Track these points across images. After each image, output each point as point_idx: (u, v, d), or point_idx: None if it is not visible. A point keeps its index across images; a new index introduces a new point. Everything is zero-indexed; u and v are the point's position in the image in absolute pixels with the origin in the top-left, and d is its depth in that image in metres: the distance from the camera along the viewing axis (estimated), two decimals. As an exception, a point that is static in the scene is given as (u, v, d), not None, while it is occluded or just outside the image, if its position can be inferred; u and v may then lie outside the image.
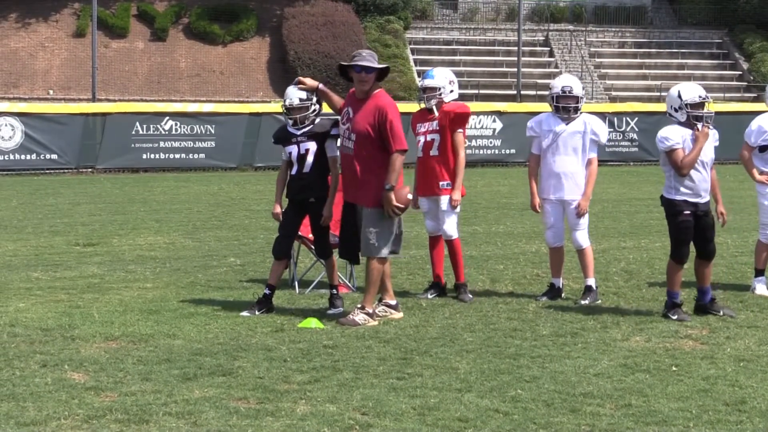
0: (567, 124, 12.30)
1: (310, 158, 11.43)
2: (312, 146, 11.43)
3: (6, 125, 31.70)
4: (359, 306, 10.99)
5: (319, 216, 11.42)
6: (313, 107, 11.50)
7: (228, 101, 40.45)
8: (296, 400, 8.01)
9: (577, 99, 12.33)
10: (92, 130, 32.84)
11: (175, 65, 49.09)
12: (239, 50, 50.23)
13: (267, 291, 11.48)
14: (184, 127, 33.61)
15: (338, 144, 11.31)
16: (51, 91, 45.68)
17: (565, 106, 12.31)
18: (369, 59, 11.10)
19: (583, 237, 12.40)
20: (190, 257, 15.49)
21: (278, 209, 11.65)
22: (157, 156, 33.27)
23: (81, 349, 9.59)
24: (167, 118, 33.55)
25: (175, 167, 32.96)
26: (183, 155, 33.52)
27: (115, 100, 39.03)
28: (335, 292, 11.73)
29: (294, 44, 47.40)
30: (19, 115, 32.14)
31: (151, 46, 49.97)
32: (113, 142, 32.81)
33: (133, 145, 33.01)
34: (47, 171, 31.82)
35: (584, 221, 12.38)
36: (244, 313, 11.22)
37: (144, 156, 33.12)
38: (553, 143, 12.28)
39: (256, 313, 11.26)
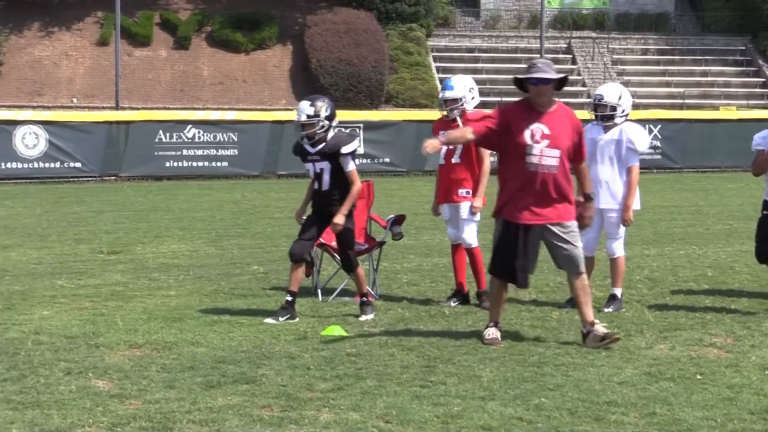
0: (605, 133, 12.27)
1: (326, 176, 11.52)
2: (326, 166, 11.49)
3: (30, 134, 31.84)
4: None
5: (343, 233, 11.52)
6: (321, 124, 11.45)
7: (251, 109, 40.48)
8: (319, 408, 8.01)
9: (612, 107, 12.25)
10: (116, 139, 32.96)
11: (198, 73, 49.17)
12: (262, 58, 50.28)
13: (289, 298, 11.50)
14: (207, 135, 33.72)
15: (529, 161, 10.19)
16: (75, 100, 45.80)
17: (601, 115, 12.29)
18: (545, 69, 10.33)
19: (618, 246, 12.34)
20: (213, 265, 15.51)
21: (301, 214, 11.87)
22: (180, 164, 33.36)
23: (105, 357, 9.61)
24: (190, 126, 33.68)
25: (198, 175, 33.05)
26: (206, 163, 33.61)
27: (138, 109, 39.12)
28: (366, 300, 11.73)
29: (316, 52, 47.41)
30: (43, 123, 32.29)
31: (174, 54, 50.07)
32: (137, 150, 32.92)
33: (156, 153, 33.11)
34: (71, 179, 31.94)
35: (621, 231, 12.30)
36: (268, 320, 11.26)
37: (167, 164, 33.22)
38: (592, 152, 12.25)
39: (280, 320, 11.28)
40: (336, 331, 10.72)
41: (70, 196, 27.35)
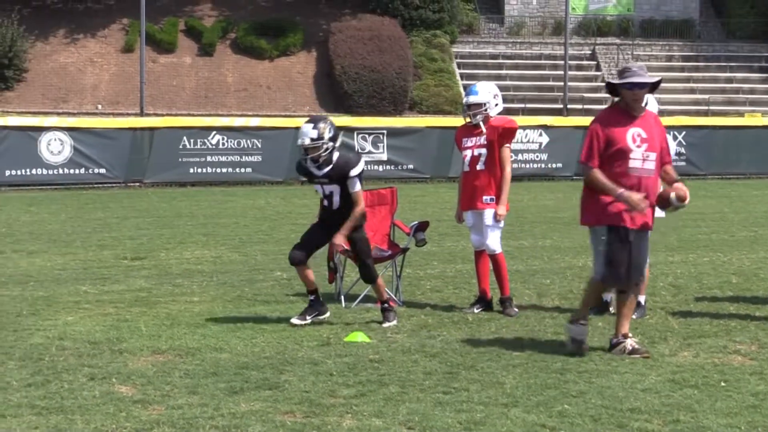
0: None
1: (336, 198, 11.48)
2: (335, 188, 11.45)
3: (55, 140, 31.94)
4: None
5: (356, 244, 11.55)
6: (325, 146, 11.30)
7: (275, 116, 40.57)
8: (342, 414, 8.01)
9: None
10: (140, 145, 33.04)
11: (223, 80, 49.30)
12: (286, 65, 50.39)
13: (311, 297, 11.59)
14: (231, 142, 33.76)
15: (632, 166, 10.04)
16: (99, 106, 45.99)
17: None
18: (641, 74, 10.10)
19: None
20: (236, 271, 15.53)
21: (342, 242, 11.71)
22: (204, 170, 33.42)
23: (129, 363, 9.63)
24: (214, 132, 33.73)
25: (221, 181, 33.11)
26: (230, 169, 33.66)
27: (162, 115, 39.23)
28: (387, 306, 11.72)
29: (340, 58, 47.49)
30: (68, 129, 32.39)
31: (198, 60, 50.23)
32: (161, 157, 33.00)
33: (180, 160, 33.17)
34: (95, 185, 32.02)
35: None
36: (295, 320, 11.41)
37: (191, 170, 33.28)
38: None
39: (307, 318, 11.46)
40: (359, 337, 10.72)
41: (94, 202, 27.43)
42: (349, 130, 35.28)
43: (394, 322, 11.53)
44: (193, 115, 39.59)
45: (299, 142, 11.38)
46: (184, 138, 33.29)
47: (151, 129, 33.60)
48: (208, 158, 33.51)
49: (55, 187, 31.30)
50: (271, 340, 10.66)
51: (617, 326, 10.28)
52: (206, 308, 12.46)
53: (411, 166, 35.35)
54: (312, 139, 11.27)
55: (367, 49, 47.37)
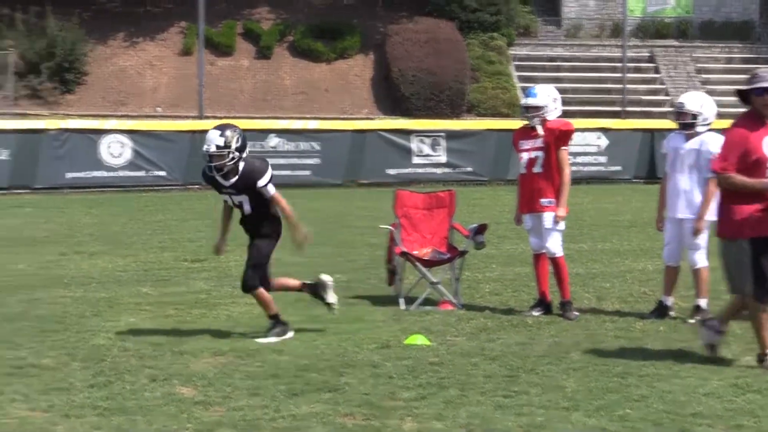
0: (687, 141, 12.17)
1: (246, 207, 11.05)
2: (244, 198, 11.00)
3: (115, 142, 32.21)
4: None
5: (252, 247, 11.29)
6: (231, 155, 10.76)
7: (332, 118, 40.62)
8: (402, 417, 8.01)
9: (693, 116, 12.14)
10: (199, 147, 33.07)
11: (280, 82, 49.41)
12: (343, 67, 50.42)
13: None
14: (289, 144, 33.88)
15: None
16: (159, 109, 46.26)
17: (682, 123, 12.21)
18: None
19: (699, 257, 12.21)
20: (295, 273, 15.53)
21: (220, 246, 11.66)
22: (262, 173, 33.49)
23: (190, 364, 9.69)
24: (272, 135, 33.85)
25: (279, 184, 33.06)
26: (288, 172, 33.71)
27: (221, 117, 39.33)
28: (275, 320, 11.14)
29: (398, 61, 47.45)
30: (128, 132, 32.65)
31: (256, 63, 50.37)
32: (220, 160, 33.12)
33: (238, 162, 33.28)
34: (155, 187, 32.23)
35: (701, 241, 12.15)
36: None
37: (250, 173, 33.37)
38: (674, 161, 12.17)
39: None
40: (419, 340, 10.71)
41: (154, 205, 27.61)
42: (407, 133, 35.33)
43: (272, 339, 10.87)
44: (251, 118, 39.70)
45: (204, 148, 10.82)
46: (243, 141, 33.40)
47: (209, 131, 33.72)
48: (267, 161, 33.60)
49: (115, 190, 31.53)
50: (331, 342, 10.68)
51: (762, 340, 9.84)
52: (266, 310, 12.48)
53: (469, 169, 35.31)
54: (218, 147, 10.72)
55: (424, 52, 47.30)
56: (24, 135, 31.92)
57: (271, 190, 10.95)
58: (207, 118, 38.59)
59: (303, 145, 34.08)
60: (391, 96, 47.62)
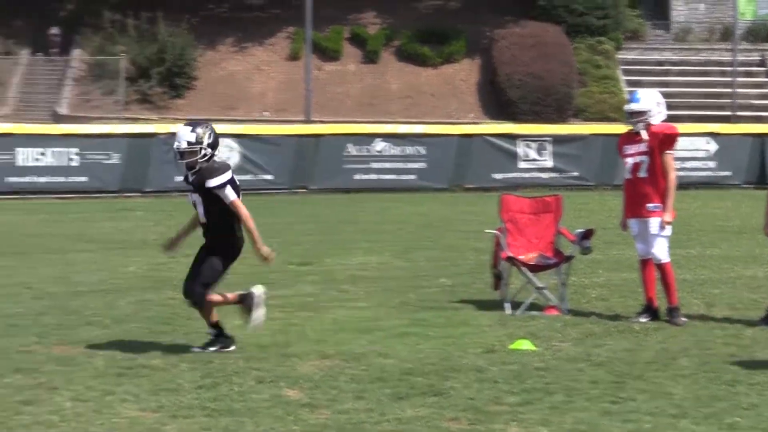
0: None
1: (200, 209, 10.50)
2: (198, 198, 10.44)
3: (224, 146, 32.53)
4: None
5: (203, 262, 10.58)
6: (203, 152, 10.31)
7: (438, 122, 40.62)
8: (508, 422, 7.97)
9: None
10: (306, 151, 33.46)
11: (387, 87, 49.53)
12: (449, 72, 50.40)
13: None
14: (394, 148, 33.96)
15: None
16: (266, 113, 46.64)
17: None
18: None
19: None
20: (401, 277, 15.58)
21: (169, 245, 11.24)
22: (368, 177, 33.67)
23: (296, 367, 9.74)
24: (378, 139, 33.96)
25: (385, 188, 33.27)
26: (394, 176, 33.85)
27: (327, 122, 39.62)
28: (217, 333, 10.62)
29: (504, 66, 47.33)
30: (237, 136, 33.00)
31: (362, 68, 50.56)
32: (326, 163, 33.38)
33: (344, 166, 33.50)
34: (262, 191, 32.49)
35: None
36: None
37: (355, 177, 33.58)
38: None
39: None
40: (524, 345, 10.66)
41: (261, 208, 27.74)
42: (513, 137, 35.20)
43: (212, 348, 10.47)
44: (357, 122, 39.90)
45: (174, 146, 10.41)
46: (349, 145, 33.61)
47: (317, 136, 34.03)
48: (372, 165, 33.77)
49: (223, 193, 31.82)
50: (436, 346, 10.67)
51: None
52: (371, 314, 12.53)
53: (576, 174, 35.08)
54: (189, 143, 10.29)
55: (530, 56, 47.11)
56: (134, 139, 32.43)
57: (230, 195, 10.32)
58: (314, 122, 38.86)
59: (409, 150, 34.14)
60: (497, 100, 47.50)
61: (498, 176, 34.45)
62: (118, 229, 22.42)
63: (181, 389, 8.89)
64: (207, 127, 10.53)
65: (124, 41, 48.18)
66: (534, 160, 34.96)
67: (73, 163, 31.71)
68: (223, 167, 10.48)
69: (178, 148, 10.34)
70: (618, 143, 12.63)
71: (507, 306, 12.72)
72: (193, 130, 10.37)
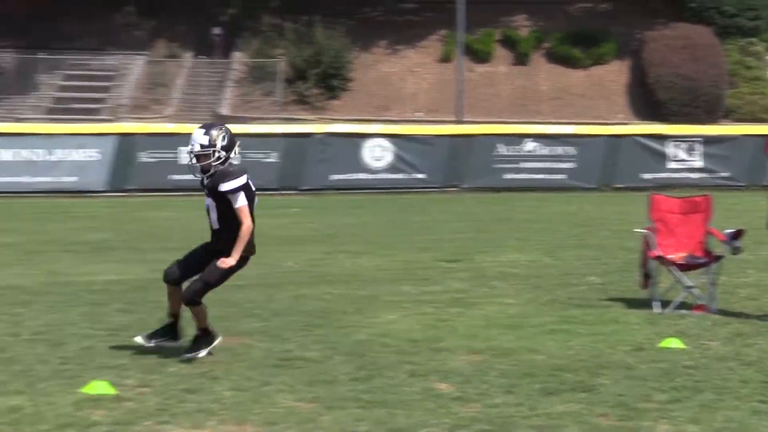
0: None
1: (213, 214, 9.92)
2: (211, 203, 9.90)
3: (377, 146, 32.76)
4: None
5: (214, 266, 9.84)
6: (217, 155, 9.78)
7: (588, 123, 40.26)
8: (657, 419, 7.86)
9: None
10: (457, 151, 33.47)
11: (537, 88, 49.31)
12: (599, 73, 49.95)
13: (168, 321, 10.20)
14: (544, 149, 33.80)
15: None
16: (419, 114, 46.78)
17: None
18: None
19: None
20: (550, 275, 15.47)
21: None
22: (518, 176, 33.57)
23: (447, 361, 9.74)
24: (528, 139, 33.84)
25: (535, 187, 33.13)
26: (543, 176, 33.70)
27: (478, 122, 39.59)
28: (200, 334, 10.03)
29: (654, 67, 46.73)
30: (390, 136, 33.20)
31: (513, 70, 50.42)
32: (477, 163, 33.37)
33: (495, 166, 33.44)
34: (415, 190, 32.61)
35: None
36: (137, 339, 10.09)
37: (506, 176, 33.50)
38: None
39: (152, 342, 10.08)
40: (673, 343, 10.50)
41: (413, 206, 27.92)
42: (662, 138, 34.73)
43: (201, 353, 9.87)
44: (507, 123, 39.78)
45: (188, 148, 9.89)
46: (499, 145, 33.56)
47: (468, 136, 34.03)
48: (522, 164, 33.66)
49: (376, 191, 32.04)
50: (585, 343, 10.57)
51: None
52: (521, 310, 12.47)
53: (726, 174, 34.44)
54: (202, 146, 9.78)
55: (681, 58, 46.42)
56: (291, 139, 32.82)
57: (240, 201, 9.79)
58: (465, 122, 38.86)
59: (558, 150, 33.95)
60: (646, 101, 46.93)
61: (647, 176, 34.02)
62: (276, 226, 22.68)
63: (335, 381, 8.96)
64: (221, 129, 9.99)
65: (283, 44, 48.83)
66: (683, 160, 34.44)
67: (233, 162, 32.18)
68: (238, 171, 9.90)
69: (191, 151, 9.84)
70: (764, 144, 12.35)
71: (656, 304, 12.53)
72: (206, 133, 9.85)
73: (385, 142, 32.98)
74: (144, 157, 31.60)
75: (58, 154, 31.48)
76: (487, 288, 14.20)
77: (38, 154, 31.06)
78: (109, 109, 47.13)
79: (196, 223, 22.73)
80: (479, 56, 50.30)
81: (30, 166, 30.96)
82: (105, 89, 49.29)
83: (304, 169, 32.58)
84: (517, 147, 33.75)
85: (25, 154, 31.03)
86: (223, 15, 52.43)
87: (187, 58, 51.48)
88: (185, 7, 51.40)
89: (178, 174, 31.39)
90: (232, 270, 9.92)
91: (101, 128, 34.00)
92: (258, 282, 14.52)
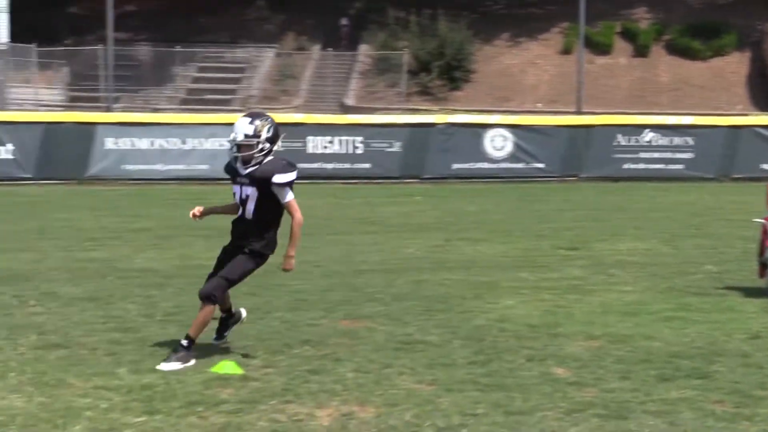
0: None
1: (250, 205, 9.18)
2: (252, 193, 9.15)
3: (498, 136, 32.65)
4: None
5: (237, 261, 9.17)
6: (260, 146, 9.11)
7: (707, 114, 39.60)
8: (772, 407, 7.72)
9: None
10: (576, 141, 33.20)
11: (656, 80, 48.70)
12: (719, 65, 49.14)
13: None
14: (663, 139, 33.36)
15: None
16: (539, 105, 46.50)
17: None
18: None
19: None
20: (667, 263, 15.26)
21: (201, 212, 9.58)
22: (636, 166, 33.19)
23: (564, 346, 9.67)
24: (647, 130, 33.42)
25: (653, 177, 32.72)
26: (661, 165, 33.28)
27: (598, 113, 39.20)
28: (185, 345, 8.98)
29: (775, 58, 45.86)
30: (510, 126, 33.06)
31: (633, 61, 49.87)
32: (596, 153, 33.08)
33: (614, 156, 33.11)
34: (534, 179, 32.43)
35: None
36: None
37: (624, 166, 33.15)
38: None
39: (221, 340, 9.53)
40: (790, 332, 10.29)
41: (532, 195, 27.76)
42: (783, 129, 34.13)
43: (172, 366, 8.77)
44: (626, 114, 39.32)
45: (231, 137, 9.27)
46: (618, 135, 33.22)
47: (587, 126, 33.73)
48: (641, 155, 33.27)
49: (497, 180, 31.94)
50: (702, 330, 10.40)
51: None
52: (638, 298, 12.32)
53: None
54: (246, 136, 9.11)
55: (802, 49, 45.49)
56: (414, 129, 32.84)
57: (289, 195, 9.18)
58: (584, 113, 38.53)
59: (677, 140, 33.47)
60: (767, 93, 46.04)
61: (766, 166, 33.34)
62: (398, 213, 22.76)
63: (454, 364, 8.95)
64: (267, 119, 9.25)
65: (407, 37, 48.91)
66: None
67: (358, 151, 32.35)
68: (292, 165, 9.28)
69: (234, 141, 9.19)
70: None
71: (773, 293, 12.29)
72: (251, 122, 9.17)
73: (505, 132, 32.85)
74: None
75: (191, 143, 31.93)
76: (605, 275, 14.06)
77: (172, 143, 31.54)
78: (239, 100, 47.69)
79: (323, 211, 22.93)
80: (600, 48, 49.83)
81: (164, 155, 31.45)
82: (236, 81, 49.92)
83: (426, 158, 32.59)
84: (636, 137, 33.37)
85: (159, 143, 31.53)
86: (350, 9, 52.75)
87: (315, 50, 51.86)
88: (313, 2, 51.81)
89: (306, 162, 31.67)
90: (252, 268, 9.23)
91: (232, 118, 34.38)
92: (379, 267, 14.59)
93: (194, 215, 9.63)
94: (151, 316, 10.98)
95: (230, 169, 9.34)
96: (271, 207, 9.16)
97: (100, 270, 14.17)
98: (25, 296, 12.09)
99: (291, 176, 9.17)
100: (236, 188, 9.27)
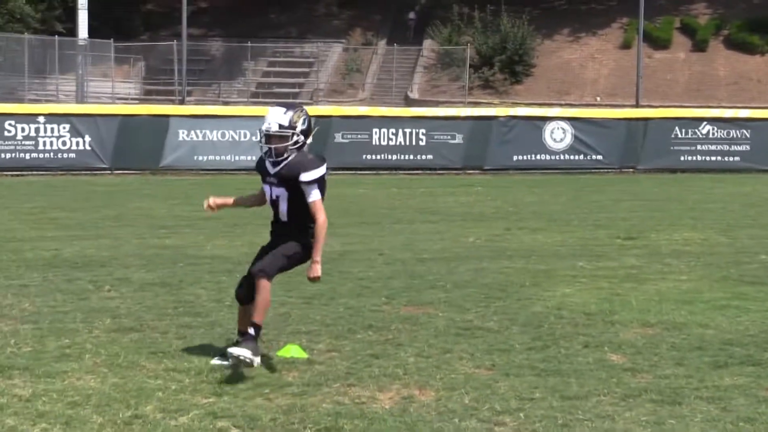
0: None
1: (282, 206, 8.51)
2: (282, 193, 8.45)
3: (558, 128, 32.47)
4: None
5: (287, 244, 8.48)
6: (295, 138, 8.34)
7: (764, 107, 39.11)
8: (825, 395, 7.62)
9: None
10: (634, 134, 32.95)
11: (714, 74, 48.22)
12: (777, 59, 48.61)
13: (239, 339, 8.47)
14: (720, 132, 33.02)
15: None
16: (598, 98, 46.21)
17: None
18: None
19: None
20: (722, 253, 15.11)
21: (215, 204, 8.98)
22: (694, 158, 32.90)
23: (619, 333, 9.61)
24: (705, 123, 33.11)
25: (710, 168, 32.43)
26: (718, 158, 32.95)
27: (656, 107, 38.89)
28: (249, 334, 8.22)
29: (831, 52, 45.22)
30: (570, 119, 32.86)
31: (691, 56, 49.41)
32: (654, 145, 32.81)
33: (672, 148, 32.84)
34: (592, 170, 32.25)
35: None
36: (215, 362, 8.37)
37: (682, 158, 32.86)
38: None
39: (233, 357, 8.00)
40: (842, 321, 10.15)
41: (591, 186, 27.59)
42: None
43: (247, 356, 7.93)
44: (684, 107, 38.95)
45: (263, 127, 8.41)
46: (676, 128, 32.94)
47: (645, 119, 33.47)
48: (698, 147, 32.96)
49: (556, 172, 31.79)
50: (756, 319, 10.29)
51: None
52: (693, 286, 12.21)
53: None
54: (281, 126, 8.32)
55: None
56: (476, 121, 32.75)
57: (315, 194, 8.40)
58: (642, 106, 38.25)
59: (734, 133, 33.10)
60: (823, 86, 45.46)
61: (822, 159, 32.94)
62: (460, 203, 22.72)
63: (512, 350, 8.93)
64: (302, 111, 8.49)
65: (470, 32, 48.84)
66: None
67: (421, 143, 32.32)
68: (320, 160, 8.50)
69: (267, 131, 8.36)
70: None
71: (827, 284, 12.13)
72: (286, 112, 8.38)
73: (565, 125, 32.66)
74: (338, 137, 31.93)
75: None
76: (661, 264, 13.94)
77: (242, 135, 31.68)
78: (307, 93, 47.87)
79: (386, 200, 22.97)
80: (658, 43, 49.43)
81: (234, 146, 31.58)
82: (304, 75, 50.12)
83: (487, 149, 32.49)
84: (693, 130, 33.05)
85: (230, 135, 31.70)
86: (416, 5, 52.76)
87: (381, 45, 51.92)
88: (379, -1, 51.93)
89: (371, 154, 31.69)
90: (299, 253, 8.47)
91: (300, 111, 34.50)
92: (440, 256, 14.58)
93: (210, 207, 8.96)
94: (221, 301, 11.06)
95: (261, 167, 8.63)
96: (305, 204, 8.41)
97: (172, 257, 14.29)
98: (100, 281, 12.22)
99: (320, 172, 8.40)
100: (266, 188, 8.60)
